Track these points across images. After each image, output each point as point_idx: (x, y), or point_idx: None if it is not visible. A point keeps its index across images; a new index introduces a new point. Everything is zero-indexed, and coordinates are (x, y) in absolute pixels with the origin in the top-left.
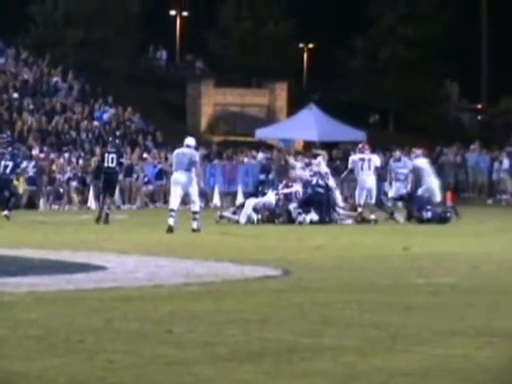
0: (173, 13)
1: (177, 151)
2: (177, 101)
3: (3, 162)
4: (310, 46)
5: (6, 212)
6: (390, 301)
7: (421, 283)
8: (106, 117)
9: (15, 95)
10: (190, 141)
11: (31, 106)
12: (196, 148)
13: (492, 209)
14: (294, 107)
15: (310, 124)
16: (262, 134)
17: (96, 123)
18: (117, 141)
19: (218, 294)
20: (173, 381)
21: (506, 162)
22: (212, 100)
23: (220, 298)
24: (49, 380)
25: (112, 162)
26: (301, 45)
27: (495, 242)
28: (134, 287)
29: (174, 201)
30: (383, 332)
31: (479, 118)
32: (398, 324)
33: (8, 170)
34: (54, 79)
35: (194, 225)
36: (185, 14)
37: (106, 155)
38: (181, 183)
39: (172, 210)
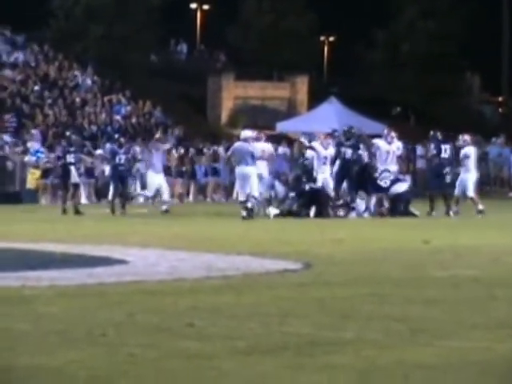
0: (193, 6)
1: (235, 145)
2: (197, 94)
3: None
4: (331, 39)
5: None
6: (411, 294)
7: (441, 276)
8: (124, 111)
9: (36, 88)
10: (247, 133)
11: (49, 101)
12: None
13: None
14: (314, 100)
15: (330, 117)
16: (282, 127)
17: (117, 117)
18: (73, 137)
19: (239, 287)
20: (194, 374)
21: None
22: (233, 93)
23: (241, 291)
24: (70, 374)
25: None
26: (322, 38)
27: None
28: (155, 281)
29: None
30: (404, 325)
31: (500, 110)
32: (418, 317)
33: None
34: (75, 73)
35: (249, 204)
36: (205, 7)
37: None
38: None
39: (241, 202)
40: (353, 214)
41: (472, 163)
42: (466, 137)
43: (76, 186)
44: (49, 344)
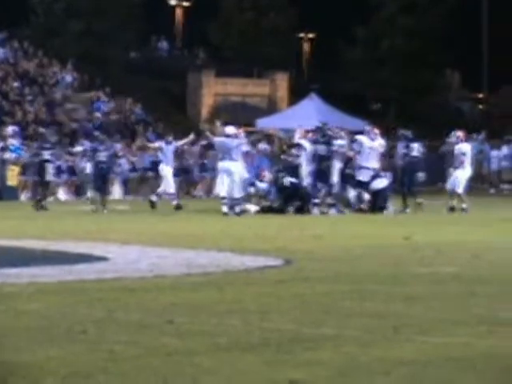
0: (174, 3)
1: (219, 140)
2: (178, 91)
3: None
4: (311, 35)
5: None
6: (392, 290)
7: (422, 272)
8: (105, 107)
9: (15, 84)
10: (231, 130)
11: (30, 97)
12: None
13: (494, 198)
14: (294, 97)
15: (310, 114)
16: (263, 123)
17: (97, 114)
18: (48, 133)
19: (220, 284)
20: (174, 371)
21: (505, 151)
22: (213, 90)
23: (221, 288)
24: (50, 370)
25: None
26: (302, 35)
27: (497, 231)
28: (135, 278)
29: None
30: (385, 322)
31: (480, 107)
32: (399, 313)
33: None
34: (54, 70)
35: (237, 209)
36: (186, 4)
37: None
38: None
39: (224, 198)
40: (332, 211)
41: (467, 160)
42: (459, 133)
43: (47, 183)
44: (29, 341)
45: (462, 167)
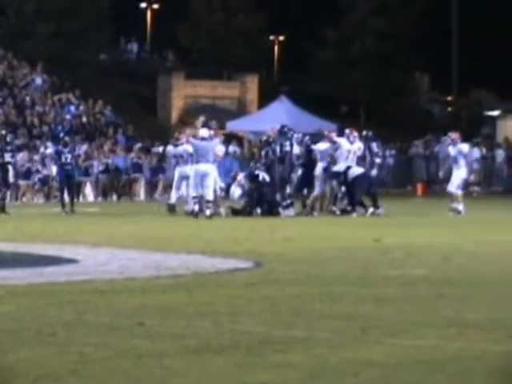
0: (143, 5)
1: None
2: (147, 93)
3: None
4: (281, 38)
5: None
6: (361, 292)
7: (392, 275)
8: (74, 110)
9: None
10: (205, 132)
11: None
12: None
13: (463, 201)
14: (264, 99)
15: (280, 116)
16: (233, 126)
17: (68, 117)
18: (8, 136)
19: (189, 286)
20: (144, 373)
21: (475, 154)
22: (183, 92)
23: (191, 290)
24: (20, 372)
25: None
26: (272, 37)
27: (466, 233)
28: (105, 280)
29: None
30: (354, 324)
31: (449, 109)
32: (369, 315)
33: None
34: (24, 72)
35: (207, 212)
36: (155, 6)
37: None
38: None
39: (195, 197)
40: (290, 212)
41: (463, 161)
42: (454, 135)
43: (8, 185)
44: None
45: (458, 168)
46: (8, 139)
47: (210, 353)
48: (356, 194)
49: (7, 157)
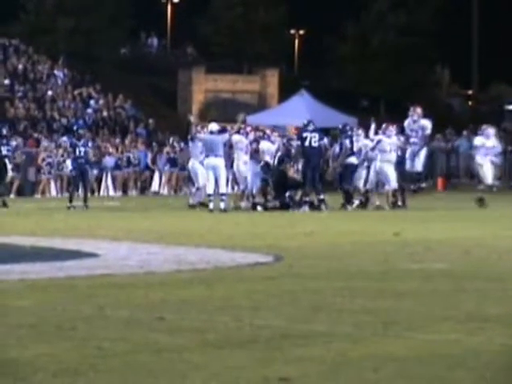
0: (163, 0)
1: (207, 137)
2: (168, 87)
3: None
4: (301, 32)
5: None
6: (382, 287)
7: (412, 269)
8: (95, 104)
9: (6, 82)
10: (214, 126)
11: (20, 94)
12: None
13: (484, 195)
14: (285, 93)
15: (301, 110)
16: (253, 120)
17: (88, 110)
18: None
19: (210, 280)
20: (163, 367)
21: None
22: (203, 86)
23: (211, 284)
24: (40, 367)
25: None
26: (292, 31)
27: (486, 227)
28: (125, 274)
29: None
30: (374, 318)
31: (470, 103)
32: (389, 310)
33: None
34: (45, 67)
35: (222, 205)
36: (175, 0)
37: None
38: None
39: (210, 195)
40: (305, 208)
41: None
42: (419, 110)
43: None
44: (19, 338)
45: (423, 146)
46: (4, 132)
47: (230, 347)
48: (346, 176)
49: (4, 150)
